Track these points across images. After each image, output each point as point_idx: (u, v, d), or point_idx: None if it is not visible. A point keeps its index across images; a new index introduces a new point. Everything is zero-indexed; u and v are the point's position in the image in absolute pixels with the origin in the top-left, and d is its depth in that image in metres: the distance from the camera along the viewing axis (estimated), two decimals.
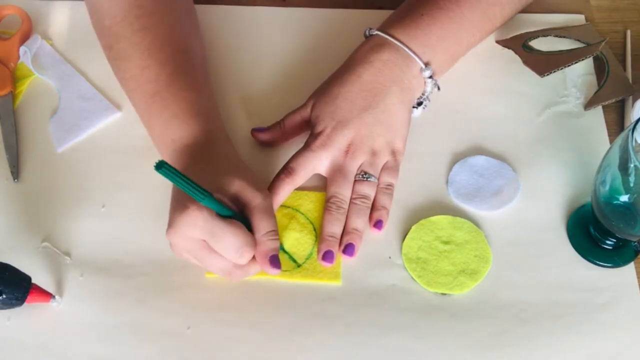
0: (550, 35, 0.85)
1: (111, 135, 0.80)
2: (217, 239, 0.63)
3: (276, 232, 0.66)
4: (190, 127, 0.71)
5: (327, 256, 0.71)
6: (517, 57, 0.83)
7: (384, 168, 0.75)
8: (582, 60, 0.82)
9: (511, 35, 0.85)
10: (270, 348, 0.67)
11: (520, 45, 0.84)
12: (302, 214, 0.74)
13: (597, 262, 0.71)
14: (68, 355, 0.67)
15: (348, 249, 0.71)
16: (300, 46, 0.86)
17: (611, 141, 0.78)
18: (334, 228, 0.71)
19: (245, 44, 0.86)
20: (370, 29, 0.79)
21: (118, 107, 0.81)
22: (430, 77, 0.77)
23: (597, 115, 0.80)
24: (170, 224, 0.65)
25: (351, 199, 0.73)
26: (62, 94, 0.82)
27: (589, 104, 0.80)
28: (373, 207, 0.73)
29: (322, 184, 0.75)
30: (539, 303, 0.69)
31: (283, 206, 0.74)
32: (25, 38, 0.86)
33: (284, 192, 0.72)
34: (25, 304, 0.67)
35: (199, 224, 0.63)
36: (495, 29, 0.83)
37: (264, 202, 0.66)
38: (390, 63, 0.75)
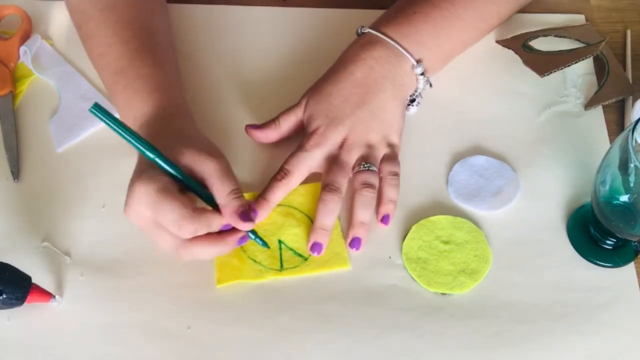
0: (550, 35, 0.85)
1: (111, 135, 0.79)
2: (158, 212, 0.63)
3: (238, 191, 0.65)
4: (149, 104, 0.71)
5: (315, 247, 0.71)
6: (517, 57, 0.83)
7: (384, 158, 0.75)
8: (582, 60, 0.82)
9: (511, 35, 0.85)
10: (270, 348, 0.67)
11: (520, 45, 0.84)
12: (296, 208, 0.74)
13: (597, 262, 0.71)
14: (68, 355, 0.67)
15: (354, 243, 0.71)
16: (301, 46, 0.86)
17: (611, 141, 0.78)
18: (326, 220, 0.71)
19: (244, 44, 0.86)
20: (363, 27, 0.79)
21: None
22: (422, 74, 0.77)
23: (597, 115, 0.80)
24: (125, 202, 0.65)
25: (356, 189, 0.72)
26: (62, 94, 0.82)
27: (589, 104, 0.80)
28: (380, 201, 0.73)
29: (311, 177, 0.75)
30: (539, 303, 0.69)
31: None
32: (25, 38, 0.86)
33: (280, 194, 0.72)
34: (25, 304, 0.67)
35: (143, 199, 0.63)
36: (492, 28, 0.83)
37: (218, 165, 0.65)
38: (382, 60, 0.76)
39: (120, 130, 0.63)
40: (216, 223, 0.65)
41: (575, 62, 0.81)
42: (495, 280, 0.70)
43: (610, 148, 0.65)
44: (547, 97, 0.81)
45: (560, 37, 0.85)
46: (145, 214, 0.64)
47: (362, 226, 0.71)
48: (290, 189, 0.73)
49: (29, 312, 0.68)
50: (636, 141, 0.63)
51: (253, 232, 0.69)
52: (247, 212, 0.65)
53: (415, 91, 0.78)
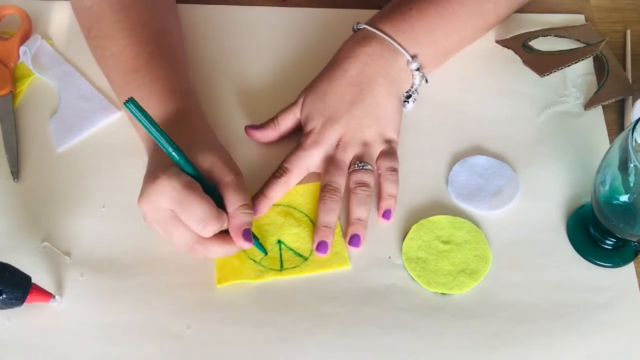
0: (550, 35, 0.85)
1: (111, 135, 0.80)
2: (184, 208, 0.64)
3: (249, 207, 0.67)
4: (167, 105, 0.72)
5: (321, 246, 0.71)
6: (517, 57, 0.83)
7: (381, 154, 0.75)
8: (582, 60, 0.82)
9: (511, 35, 0.85)
10: (270, 348, 0.67)
11: (520, 45, 0.84)
12: (295, 208, 0.74)
13: (597, 262, 0.71)
14: (68, 355, 0.67)
15: (353, 240, 0.71)
16: (301, 46, 0.86)
17: (611, 141, 0.78)
18: (328, 218, 0.72)
19: (245, 44, 0.86)
20: (358, 23, 0.79)
21: (118, 107, 0.81)
22: (418, 69, 0.77)
23: (597, 115, 0.80)
24: (142, 193, 0.65)
25: (351, 189, 0.73)
26: (62, 94, 0.82)
27: (589, 104, 0.80)
28: (380, 197, 0.74)
29: (309, 177, 0.75)
30: (539, 303, 0.69)
31: (275, 205, 0.74)
32: (25, 38, 0.86)
33: (278, 193, 0.73)
34: (25, 304, 0.67)
35: (168, 193, 0.64)
36: (490, 26, 0.83)
37: (236, 179, 0.67)
38: (376, 56, 0.76)
39: (151, 128, 0.64)
40: (242, 224, 0.67)
41: (575, 62, 0.81)
42: (495, 280, 0.70)
43: (610, 148, 0.65)
44: (547, 97, 0.81)
45: (560, 37, 0.85)
46: (164, 207, 0.64)
47: (360, 223, 0.72)
48: (289, 187, 0.74)
49: (29, 312, 0.68)
50: (636, 141, 0.63)
51: (256, 238, 0.70)
52: (249, 231, 0.67)
53: (412, 87, 0.78)
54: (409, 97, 0.79)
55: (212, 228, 0.65)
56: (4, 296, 0.65)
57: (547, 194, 0.75)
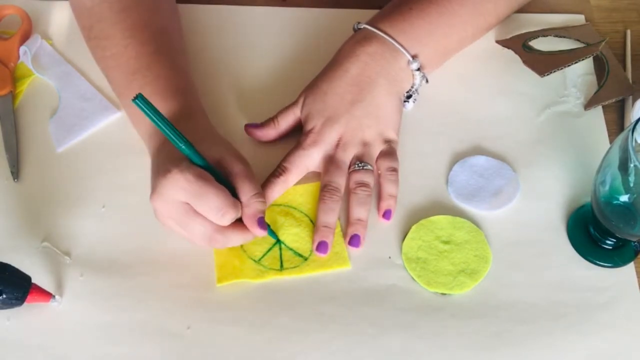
0: (550, 35, 0.85)
1: (111, 135, 0.80)
2: (200, 199, 0.64)
3: (262, 194, 0.67)
4: (169, 104, 0.72)
5: (321, 247, 0.71)
6: (517, 57, 0.83)
7: (381, 154, 0.75)
8: (582, 60, 0.82)
9: (511, 35, 0.85)
10: (270, 348, 0.67)
11: (520, 45, 0.84)
12: (295, 208, 0.74)
13: (597, 262, 0.71)
14: (68, 355, 0.67)
15: (353, 240, 0.72)
16: (301, 46, 0.86)
17: (611, 141, 0.78)
18: (328, 218, 0.72)
19: (245, 44, 0.86)
20: (359, 22, 0.79)
21: (118, 107, 0.81)
22: (419, 69, 0.77)
23: (597, 115, 0.80)
24: (154, 189, 0.65)
25: (351, 189, 0.73)
26: (62, 94, 0.82)
27: (589, 104, 0.80)
28: (380, 197, 0.74)
29: (309, 177, 0.76)
30: (539, 303, 0.69)
31: (275, 205, 0.74)
32: (25, 38, 0.86)
33: (277, 191, 0.73)
34: (25, 303, 0.67)
35: (182, 185, 0.64)
36: (490, 26, 0.83)
37: (246, 168, 0.67)
38: (377, 55, 0.76)
39: (160, 123, 0.64)
40: (256, 212, 0.67)
41: (575, 62, 0.81)
42: (495, 280, 0.70)
43: (610, 148, 0.65)
44: (547, 97, 0.81)
45: (560, 37, 0.85)
46: (179, 200, 0.65)
47: (360, 223, 0.72)
48: (288, 186, 0.74)
49: (29, 312, 0.68)
50: (636, 141, 0.63)
51: (268, 226, 0.70)
52: (263, 219, 0.67)
53: (412, 87, 0.78)
54: (409, 97, 0.79)
55: (230, 216, 0.65)
56: (4, 296, 0.65)
57: (547, 194, 0.75)
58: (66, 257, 0.72)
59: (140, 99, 0.62)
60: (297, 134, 0.77)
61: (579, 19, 0.88)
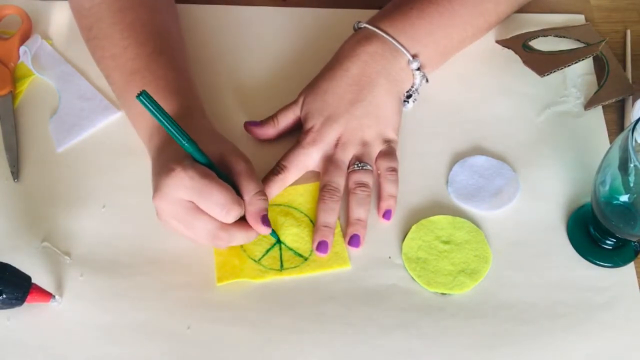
0: (550, 35, 0.85)
1: (111, 135, 0.80)
2: (204, 196, 0.64)
3: (264, 193, 0.67)
4: (169, 104, 0.72)
5: (321, 247, 0.71)
6: (517, 57, 0.83)
7: (381, 154, 0.75)
8: (582, 60, 0.82)
9: (511, 35, 0.85)
10: (270, 348, 0.67)
11: (520, 45, 0.84)
12: (295, 208, 0.74)
13: (597, 262, 0.71)
14: (68, 355, 0.67)
15: (353, 241, 0.72)
16: (301, 46, 0.86)
17: (611, 141, 0.78)
18: (328, 218, 0.72)
19: (245, 44, 0.86)
20: (359, 22, 0.79)
21: (118, 107, 0.81)
22: (419, 69, 0.77)
23: (597, 115, 0.80)
24: (157, 188, 0.65)
25: (350, 189, 0.73)
26: (62, 94, 0.82)
27: (589, 104, 0.80)
28: (380, 197, 0.74)
29: (309, 177, 0.76)
30: (539, 303, 0.69)
31: (275, 204, 0.74)
32: (25, 38, 0.86)
33: (275, 190, 0.73)
34: (25, 303, 0.67)
35: (185, 183, 0.63)
36: (491, 26, 0.83)
37: (247, 166, 0.67)
38: (377, 55, 0.76)
39: (163, 120, 0.63)
40: (259, 210, 0.67)
41: (575, 62, 0.81)
42: (495, 280, 0.70)
43: (610, 148, 0.65)
44: (547, 97, 0.81)
45: (560, 37, 0.85)
46: (182, 198, 0.64)
47: (359, 223, 0.72)
48: (286, 185, 0.74)
49: (29, 312, 0.68)
50: (636, 141, 0.63)
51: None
52: (267, 217, 0.67)
53: (412, 87, 0.78)
54: (409, 97, 0.79)
55: (235, 213, 0.65)
56: (4, 296, 0.65)
57: (547, 194, 0.75)
58: (66, 257, 0.72)
59: (144, 95, 0.62)
60: (297, 133, 0.77)
61: (579, 19, 0.88)
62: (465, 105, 0.81)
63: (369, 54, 0.76)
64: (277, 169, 0.74)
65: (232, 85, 0.83)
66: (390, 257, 0.72)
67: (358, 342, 0.67)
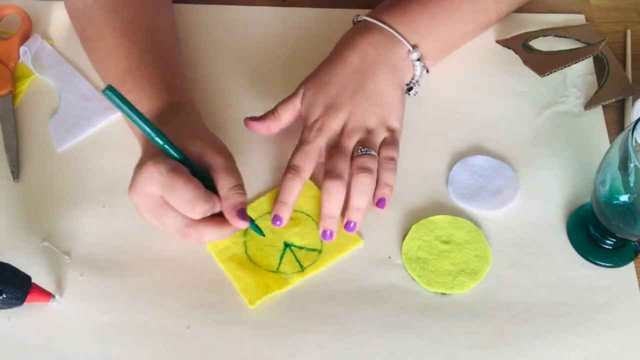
0: (550, 35, 0.85)
1: (111, 135, 0.80)
2: (171, 191, 0.63)
3: (241, 187, 0.66)
4: (159, 100, 0.72)
5: (326, 235, 0.72)
6: (517, 57, 0.83)
7: (383, 143, 0.75)
8: (582, 60, 0.82)
9: (511, 35, 0.85)
10: (269, 348, 0.67)
11: (520, 45, 0.84)
12: (294, 211, 0.74)
13: (597, 262, 0.71)
14: (68, 355, 0.67)
15: (348, 226, 0.72)
16: (301, 46, 0.86)
17: (611, 141, 0.78)
18: (332, 209, 0.71)
19: (245, 44, 0.86)
20: (358, 15, 0.79)
21: None
22: (419, 60, 0.77)
23: (597, 115, 0.80)
24: (131, 182, 0.65)
25: (353, 173, 0.72)
26: (62, 94, 0.82)
27: (589, 104, 0.80)
28: (376, 185, 0.73)
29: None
30: (539, 303, 0.69)
31: (266, 214, 0.73)
32: (25, 38, 0.86)
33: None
34: (25, 303, 0.67)
35: (154, 177, 0.63)
36: (491, 22, 0.83)
37: (226, 161, 0.66)
38: (377, 45, 0.76)
39: (132, 114, 0.63)
40: (219, 207, 0.66)
41: (575, 62, 0.81)
42: (495, 280, 0.70)
43: (610, 148, 0.65)
44: (547, 97, 0.81)
45: (560, 37, 0.85)
46: (154, 193, 0.64)
47: (358, 212, 0.72)
48: (303, 184, 0.73)
49: (29, 312, 0.68)
50: (636, 141, 0.63)
51: (252, 220, 0.69)
52: (244, 211, 0.66)
53: (413, 78, 0.78)
54: (410, 89, 0.79)
55: (201, 209, 0.64)
56: (4, 296, 0.65)
57: (547, 194, 0.75)
58: (66, 257, 0.72)
59: (109, 90, 0.61)
60: (297, 129, 0.76)
61: (579, 19, 0.88)
62: (465, 105, 0.81)
63: (369, 44, 0.76)
64: (291, 172, 0.72)
65: (231, 85, 0.83)
66: (390, 257, 0.72)
67: (358, 342, 0.67)
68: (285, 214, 0.72)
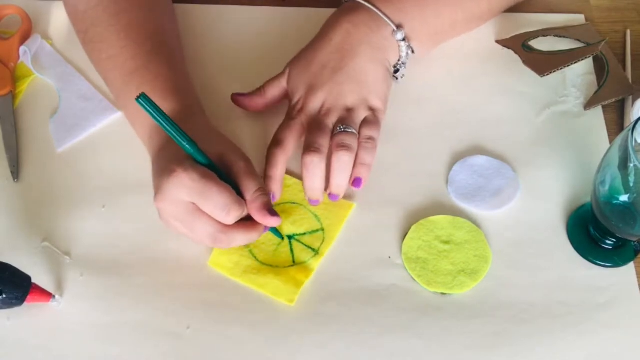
0: (550, 35, 0.85)
1: (111, 135, 0.80)
2: (205, 197, 0.64)
3: (265, 190, 0.67)
4: (168, 103, 0.72)
5: (312, 202, 0.73)
6: (517, 57, 0.83)
7: (364, 122, 0.75)
8: (582, 60, 0.82)
9: (511, 35, 0.85)
10: (269, 348, 0.67)
11: (520, 45, 0.84)
12: (279, 204, 0.74)
13: (597, 262, 0.71)
14: (68, 355, 0.67)
15: (332, 197, 0.73)
16: (300, 46, 0.85)
17: (611, 141, 0.78)
18: (313, 183, 0.72)
19: (245, 44, 0.86)
20: None
21: (118, 107, 0.81)
22: (404, 40, 0.77)
23: (597, 115, 0.80)
24: (158, 190, 0.65)
25: (333, 152, 0.72)
26: (62, 94, 0.82)
27: (589, 104, 0.80)
28: (354, 164, 0.73)
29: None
30: (539, 303, 0.69)
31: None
32: (25, 38, 0.86)
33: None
34: (25, 303, 0.67)
35: (186, 184, 0.64)
36: (483, 15, 0.82)
37: (248, 165, 0.67)
38: (360, 24, 0.76)
39: (163, 122, 0.63)
40: (246, 211, 0.67)
41: (575, 62, 0.81)
42: (495, 280, 0.70)
43: (610, 148, 0.65)
44: (547, 97, 0.81)
45: (560, 37, 0.85)
46: (183, 200, 0.64)
47: (339, 187, 0.73)
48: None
49: (29, 312, 0.68)
50: (636, 141, 0.63)
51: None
52: (274, 210, 0.67)
53: (399, 60, 0.78)
54: (396, 71, 0.79)
55: (236, 214, 0.65)
56: (4, 296, 0.65)
57: (547, 194, 0.75)
58: (66, 257, 0.72)
59: (143, 98, 0.62)
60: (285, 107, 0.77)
61: (579, 19, 0.88)
62: (465, 105, 0.81)
63: (352, 24, 0.76)
64: (274, 144, 0.73)
65: (232, 85, 0.83)
66: (390, 257, 0.72)
67: (358, 342, 0.67)
68: (275, 187, 0.72)
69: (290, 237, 0.72)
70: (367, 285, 0.70)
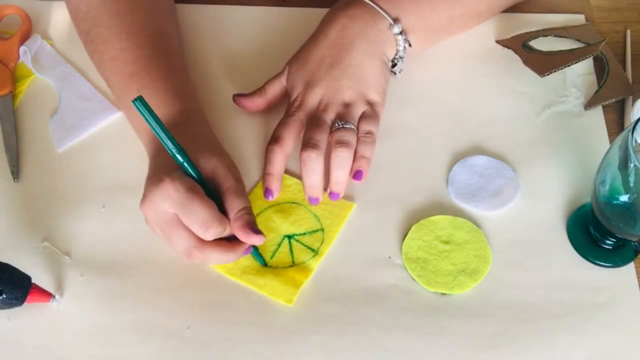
0: (550, 35, 0.85)
1: (111, 135, 0.80)
2: (186, 210, 0.64)
3: (250, 209, 0.67)
4: (169, 108, 0.72)
5: (312, 200, 0.73)
6: (517, 57, 0.83)
7: (362, 116, 0.75)
8: (582, 60, 0.82)
9: (511, 35, 0.85)
10: (270, 348, 0.67)
11: (520, 45, 0.84)
12: (277, 204, 0.74)
13: (597, 262, 0.71)
14: (68, 355, 0.67)
15: (331, 196, 0.73)
16: (300, 46, 0.86)
17: (611, 141, 0.78)
18: (313, 179, 0.72)
19: (245, 44, 0.86)
20: None
21: (118, 107, 0.81)
22: (401, 33, 0.77)
23: (597, 115, 0.80)
24: (144, 196, 0.66)
25: (332, 148, 0.72)
26: (62, 94, 0.82)
27: (589, 104, 0.80)
28: (354, 157, 0.73)
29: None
30: (539, 303, 0.69)
31: (257, 217, 0.73)
32: (25, 38, 0.86)
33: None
34: (25, 303, 0.67)
35: (171, 195, 0.64)
36: (481, 12, 0.83)
37: (236, 184, 0.67)
38: (356, 18, 0.77)
39: (157, 128, 0.64)
40: (228, 230, 0.66)
41: (575, 62, 0.81)
42: (495, 280, 0.70)
43: (610, 148, 0.65)
44: (547, 97, 0.81)
45: (560, 37, 0.85)
46: (166, 210, 0.64)
47: (339, 184, 0.73)
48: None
49: (29, 312, 0.68)
50: (636, 141, 0.63)
51: (255, 248, 0.70)
52: (257, 228, 0.66)
53: (396, 54, 0.78)
54: (394, 66, 0.79)
55: (214, 231, 0.64)
56: (4, 296, 0.65)
57: (547, 194, 0.75)
58: (66, 257, 0.72)
59: (140, 101, 0.62)
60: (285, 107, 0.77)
61: (579, 19, 0.88)
62: (465, 105, 0.81)
63: (348, 18, 0.77)
64: (273, 141, 0.73)
65: (232, 85, 0.83)
66: (390, 257, 0.72)
67: (358, 343, 0.67)
68: (274, 184, 0.73)
69: (289, 237, 0.72)
70: (367, 286, 0.70)
